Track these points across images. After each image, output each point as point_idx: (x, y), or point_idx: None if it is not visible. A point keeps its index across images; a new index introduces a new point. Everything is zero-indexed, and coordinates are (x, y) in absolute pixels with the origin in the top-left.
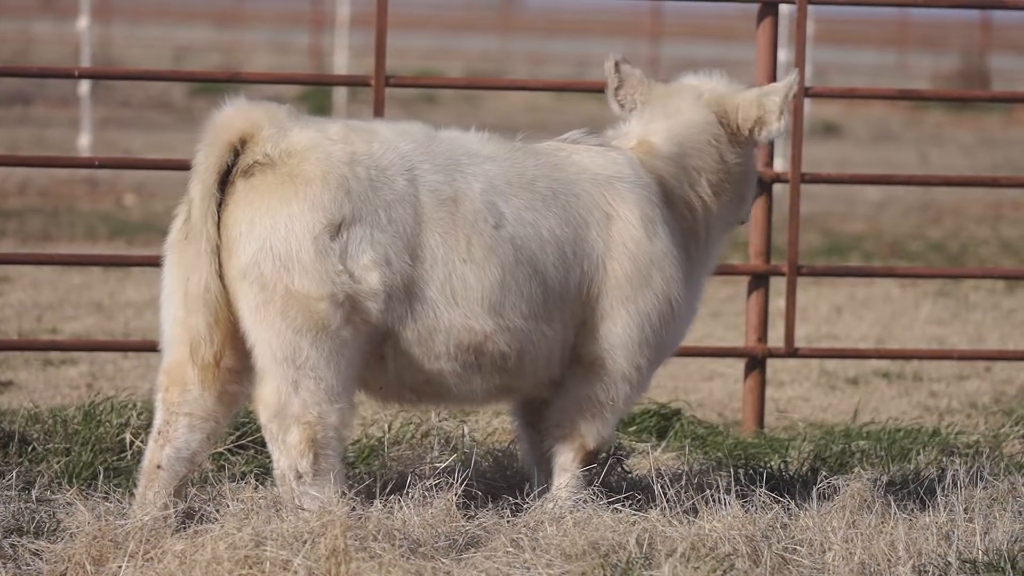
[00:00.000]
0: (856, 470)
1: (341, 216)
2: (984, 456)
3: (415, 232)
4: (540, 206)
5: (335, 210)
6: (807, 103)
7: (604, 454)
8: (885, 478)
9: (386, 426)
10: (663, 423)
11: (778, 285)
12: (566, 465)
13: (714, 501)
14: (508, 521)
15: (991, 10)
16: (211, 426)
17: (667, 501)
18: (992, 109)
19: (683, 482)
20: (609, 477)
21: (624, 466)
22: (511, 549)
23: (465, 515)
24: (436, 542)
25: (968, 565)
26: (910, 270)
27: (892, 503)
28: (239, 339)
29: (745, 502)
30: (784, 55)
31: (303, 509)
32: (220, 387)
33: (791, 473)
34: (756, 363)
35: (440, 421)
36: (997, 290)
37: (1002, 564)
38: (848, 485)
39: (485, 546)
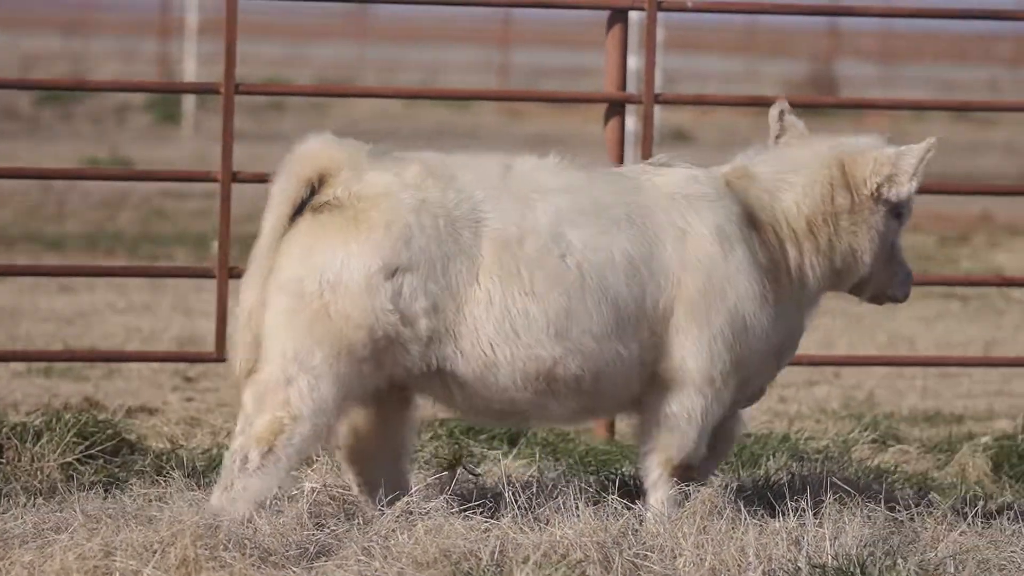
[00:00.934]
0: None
1: (397, 264)
2: (834, 461)
3: (469, 282)
4: (613, 230)
5: (392, 256)
6: (657, 110)
7: (694, 468)
8: (736, 484)
9: None
10: (514, 430)
11: None
12: (657, 483)
13: (566, 508)
14: (359, 529)
15: (838, 17)
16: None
17: (519, 508)
18: (841, 115)
19: (535, 489)
20: (461, 485)
21: (475, 473)
22: (362, 557)
23: (316, 523)
24: (287, 551)
25: (818, 570)
26: None
27: (743, 509)
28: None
29: (597, 508)
30: (634, 62)
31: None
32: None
33: (642, 479)
34: None
35: None
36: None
37: (851, 569)
38: (699, 491)
39: (336, 554)
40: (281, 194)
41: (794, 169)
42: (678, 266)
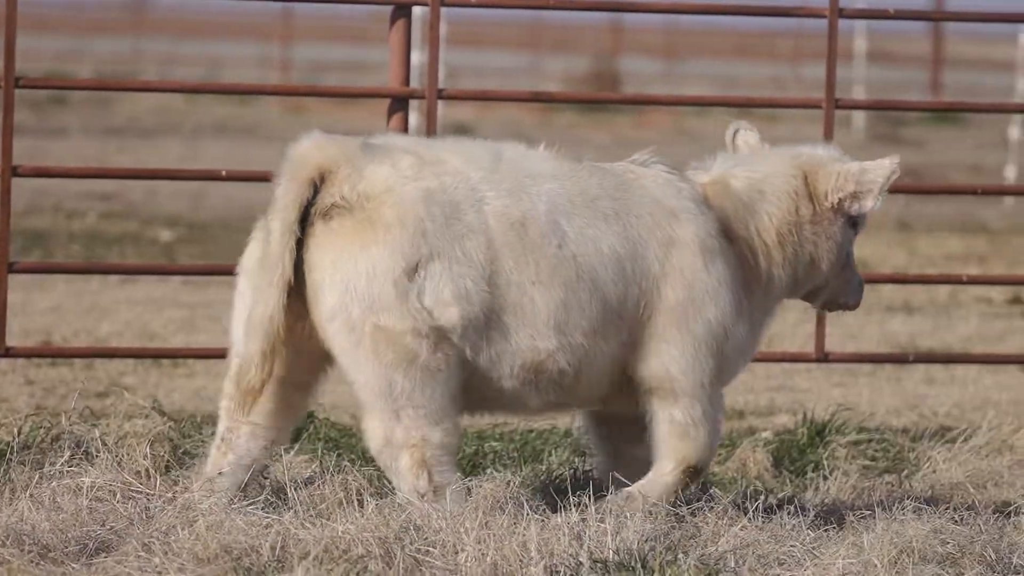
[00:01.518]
0: (489, 471)
1: (418, 257)
2: None
3: (489, 259)
4: (601, 224)
5: (413, 252)
6: (440, 105)
7: (702, 472)
8: (518, 479)
9: (15, 430)
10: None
11: None
12: (662, 472)
13: (348, 503)
14: (140, 525)
15: (622, 13)
16: (273, 434)
17: (300, 504)
18: (623, 111)
19: (317, 485)
20: (251, 482)
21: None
22: (142, 553)
23: (96, 519)
24: (66, 547)
25: (599, 565)
26: None
27: (525, 504)
28: (305, 355)
29: (379, 504)
30: (417, 57)
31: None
32: (284, 397)
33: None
34: None
35: (71, 425)
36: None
37: (633, 564)
38: (481, 486)
39: (116, 550)
40: (285, 198)
41: (765, 178)
42: (660, 274)
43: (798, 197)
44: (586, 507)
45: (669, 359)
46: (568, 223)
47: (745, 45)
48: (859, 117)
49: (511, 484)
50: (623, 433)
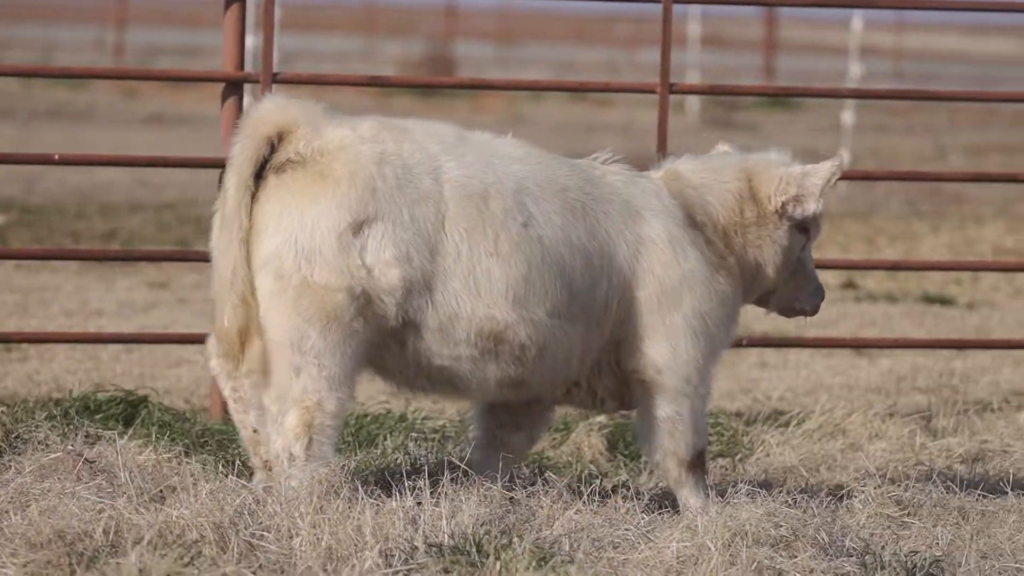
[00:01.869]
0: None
1: (366, 214)
2: (451, 441)
3: (437, 228)
4: (570, 215)
5: (360, 209)
6: (275, 89)
7: (704, 454)
8: (353, 463)
9: None
10: (130, 410)
11: None
12: (679, 480)
13: (182, 488)
14: None
15: None
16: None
17: (134, 489)
18: (459, 95)
19: (150, 469)
20: (74, 467)
21: (87, 456)
22: None
23: None
24: None
25: (434, 549)
26: None
27: (360, 488)
28: None
29: (214, 489)
30: (252, 41)
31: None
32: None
33: (664, 480)
34: None
35: None
36: None
37: (468, 547)
38: (316, 471)
39: None
40: (242, 154)
41: (711, 173)
42: (631, 274)
43: (742, 199)
44: (421, 491)
45: (653, 355)
46: (536, 206)
47: (581, 30)
48: (693, 102)
49: (346, 469)
50: (502, 420)
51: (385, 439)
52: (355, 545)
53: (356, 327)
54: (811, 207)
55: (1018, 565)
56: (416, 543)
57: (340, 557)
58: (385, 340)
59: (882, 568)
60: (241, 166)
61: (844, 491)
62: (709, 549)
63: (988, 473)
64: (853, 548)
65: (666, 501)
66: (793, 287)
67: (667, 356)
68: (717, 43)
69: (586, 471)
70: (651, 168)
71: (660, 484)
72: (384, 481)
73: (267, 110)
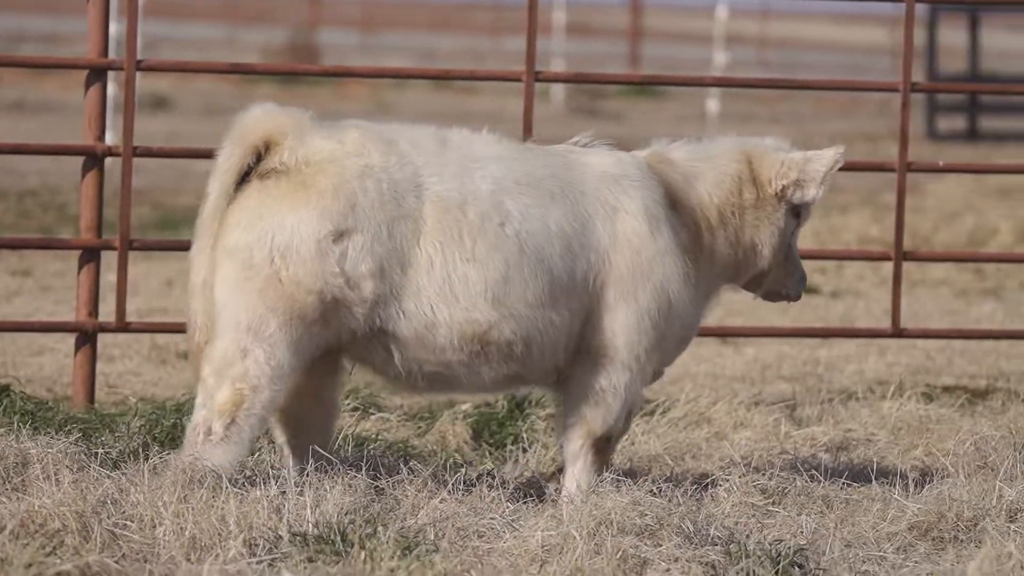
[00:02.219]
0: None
1: (345, 226)
2: None
3: (412, 245)
4: (548, 202)
5: (340, 221)
6: (138, 76)
7: (614, 440)
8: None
9: None
10: None
11: (109, 259)
12: (576, 453)
13: (44, 477)
14: None
15: None
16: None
17: None
18: (322, 83)
19: (11, 459)
20: None
21: None
22: None
23: None
24: None
25: (299, 538)
26: None
27: (224, 477)
28: None
29: (77, 478)
30: (116, 28)
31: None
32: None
33: (122, 448)
34: (87, 338)
35: None
36: None
37: (332, 537)
38: (179, 460)
39: None
40: (227, 161)
41: (706, 159)
42: (608, 244)
43: (742, 181)
44: (285, 480)
45: (616, 326)
46: (513, 202)
47: (442, 18)
48: (558, 90)
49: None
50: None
51: None
52: (219, 535)
53: (315, 330)
54: (811, 192)
55: (882, 553)
56: (280, 532)
57: (203, 547)
58: (363, 346)
59: (747, 556)
60: (225, 174)
61: (709, 480)
62: (574, 538)
63: (852, 462)
64: (718, 537)
65: (531, 490)
66: (783, 271)
67: (627, 328)
68: (582, 31)
69: (451, 460)
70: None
71: (524, 473)
72: (249, 471)
73: (255, 118)
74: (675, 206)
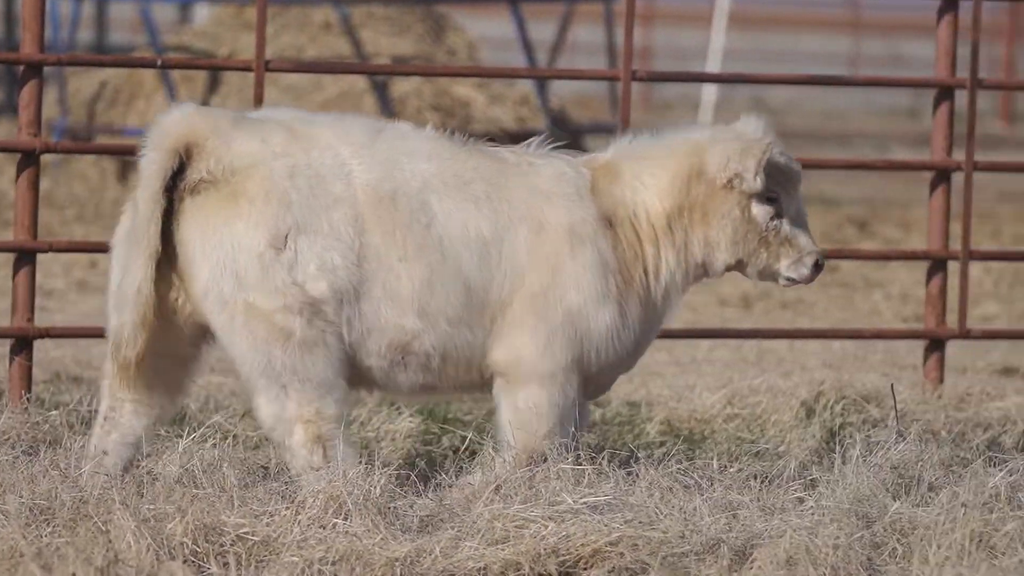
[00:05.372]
0: None
1: (284, 230)
2: None
3: (357, 232)
4: (471, 207)
5: (277, 226)
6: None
7: (543, 457)
8: None
9: None
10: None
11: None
12: (505, 462)
13: None
14: None
15: None
16: (156, 412)
17: None
18: None
19: None
20: None
21: None
22: None
23: None
24: None
25: None
26: None
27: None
28: (182, 327)
29: None
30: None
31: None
32: (166, 372)
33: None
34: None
35: None
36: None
37: None
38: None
39: None
40: (149, 167)
41: (659, 162)
42: (525, 261)
43: (690, 178)
44: None
45: (521, 344)
46: (439, 203)
47: None
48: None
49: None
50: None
51: None
52: None
53: (315, 332)
54: (750, 183)
55: None
56: None
57: None
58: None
59: None
60: (149, 180)
61: None
62: None
63: None
64: None
65: None
66: (772, 255)
67: (535, 348)
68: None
69: None
70: (599, 150)
71: None
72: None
73: (172, 122)
74: (613, 222)
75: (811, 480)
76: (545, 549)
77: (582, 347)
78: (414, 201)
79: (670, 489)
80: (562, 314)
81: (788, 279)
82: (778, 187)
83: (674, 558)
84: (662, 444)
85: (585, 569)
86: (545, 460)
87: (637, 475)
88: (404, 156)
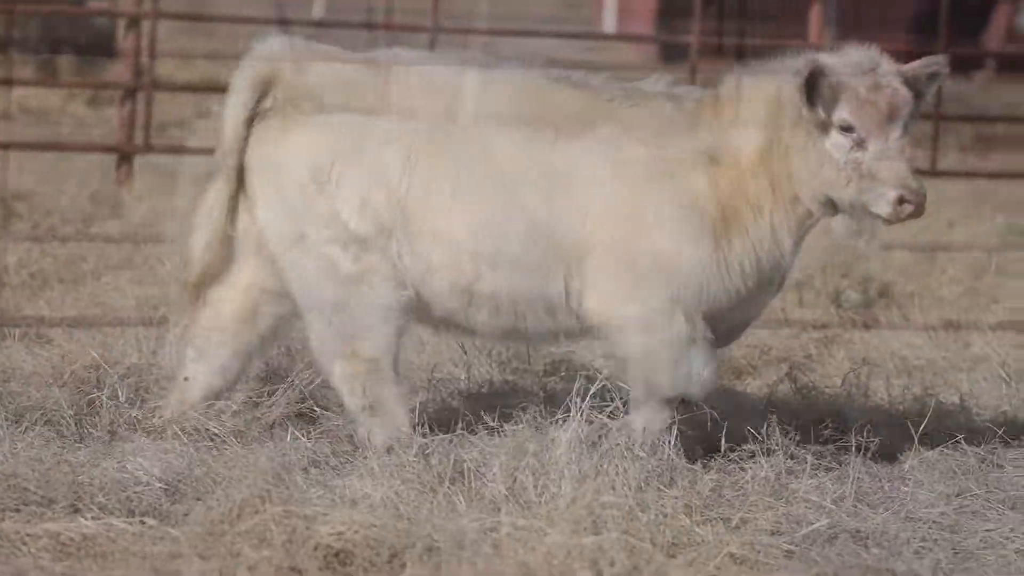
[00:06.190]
0: None
1: (331, 160)
2: None
3: (409, 169)
4: (545, 146)
5: (320, 157)
6: None
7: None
8: None
9: None
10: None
11: None
12: (649, 411)
13: None
14: None
15: None
16: (243, 343)
17: None
18: None
19: None
20: None
21: None
22: None
23: None
24: None
25: None
26: None
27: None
28: (266, 260)
29: None
30: None
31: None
32: (252, 304)
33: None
34: None
35: None
36: None
37: None
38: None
39: None
40: (234, 97)
41: (758, 96)
42: (606, 199)
43: (774, 112)
44: None
45: (608, 291)
46: (503, 139)
47: None
48: None
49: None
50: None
51: None
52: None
53: (361, 269)
54: (808, 115)
55: None
56: None
57: None
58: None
59: None
60: (233, 109)
61: None
62: None
63: None
64: None
65: None
66: (852, 192)
67: (624, 293)
68: None
69: None
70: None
71: None
72: None
73: (258, 54)
74: (712, 158)
75: None
76: None
77: (677, 288)
78: (474, 140)
79: None
80: (649, 256)
81: (875, 216)
82: (855, 118)
83: None
84: None
85: None
86: (673, 399)
87: None
88: (478, 89)
